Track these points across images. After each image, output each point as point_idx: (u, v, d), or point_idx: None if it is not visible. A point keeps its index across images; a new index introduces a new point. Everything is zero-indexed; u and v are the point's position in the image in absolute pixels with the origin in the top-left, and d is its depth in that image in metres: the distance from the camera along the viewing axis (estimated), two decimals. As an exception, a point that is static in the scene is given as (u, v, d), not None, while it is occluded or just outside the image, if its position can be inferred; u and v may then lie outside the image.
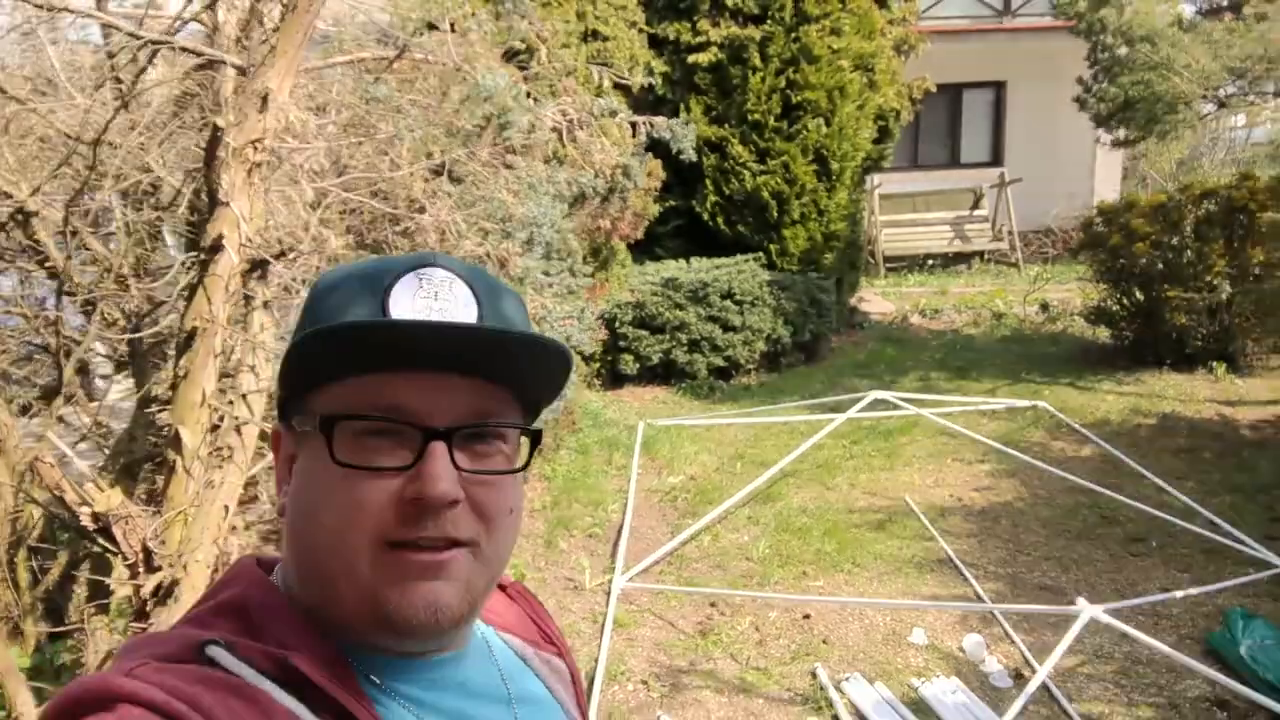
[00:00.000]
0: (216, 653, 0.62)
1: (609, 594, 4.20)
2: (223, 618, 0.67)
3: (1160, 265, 7.18)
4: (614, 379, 8.11)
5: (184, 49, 2.48)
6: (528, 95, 4.15)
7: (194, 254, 2.58)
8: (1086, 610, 2.85)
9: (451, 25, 3.54)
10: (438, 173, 3.80)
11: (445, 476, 0.64)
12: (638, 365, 7.93)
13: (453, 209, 3.72)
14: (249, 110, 2.40)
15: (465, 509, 0.66)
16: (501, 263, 3.18)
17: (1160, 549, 4.57)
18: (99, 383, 4.11)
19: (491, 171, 3.54)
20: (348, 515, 0.65)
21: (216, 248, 2.44)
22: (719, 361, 7.98)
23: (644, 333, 7.88)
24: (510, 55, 4.59)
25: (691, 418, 6.90)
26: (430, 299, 0.67)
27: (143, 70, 2.77)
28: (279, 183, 3.23)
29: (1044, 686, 3.42)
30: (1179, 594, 3.72)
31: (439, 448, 0.65)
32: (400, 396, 0.66)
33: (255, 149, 2.41)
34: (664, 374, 8.08)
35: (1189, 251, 7.04)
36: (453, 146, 3.51)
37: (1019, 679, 3.56)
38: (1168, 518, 4.70)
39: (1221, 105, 6.59)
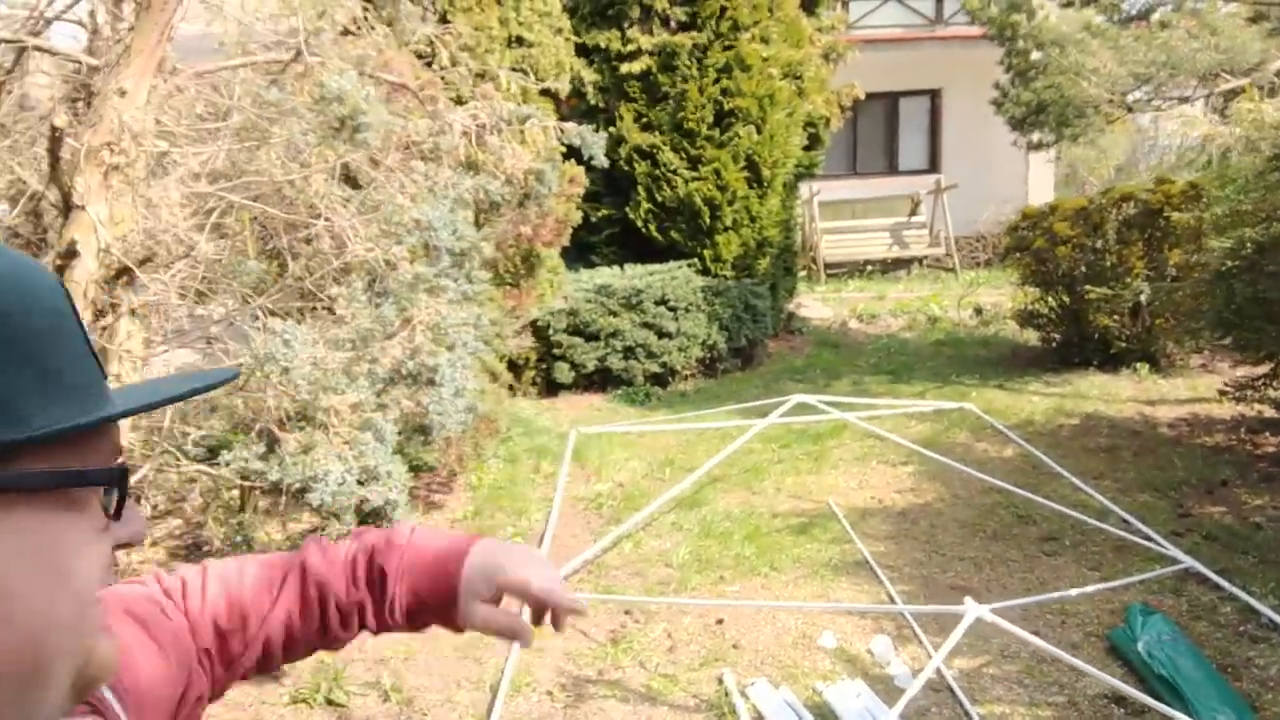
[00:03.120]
0: None
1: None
2: None
3: (1083, 267, 7.30)
4: (549, 387, 8.05)
5: (37, 48, 2.39)
6: (433, 100, 4.10)
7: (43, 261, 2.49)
8: (973, 610, 2.86)
9: (345, 29, 3.49)
10: (333, 177, 3.73)
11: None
12: (573, 373, 7.89)
13: (353, 215, 3.66)
14: (104, 111, 2.32)
15: None
16: (392, 266, 3.11)
17: (1072, 547, 4.62)
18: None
19: (387, 174, 3.49)
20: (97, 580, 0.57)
21: (72, 253, 2.36)
22: (655, 368, 7.97)
23: (578, 340, 7.84)
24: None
25: (622, 424, 6.86)
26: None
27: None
28: (166, 187, 3.15)
29: (948, 688, 3.44)
30: (1073, 592, 3.75)
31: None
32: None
33: (111, 151, 2.34)
34: (600, 381, 8.04)
35: (1110, 254, 7.18)
36: (347, 151, 3.44)
37: (925, 680, 3.56)
38: (1081, 517, 4.75)
39: (1129, 110, 6.76)
